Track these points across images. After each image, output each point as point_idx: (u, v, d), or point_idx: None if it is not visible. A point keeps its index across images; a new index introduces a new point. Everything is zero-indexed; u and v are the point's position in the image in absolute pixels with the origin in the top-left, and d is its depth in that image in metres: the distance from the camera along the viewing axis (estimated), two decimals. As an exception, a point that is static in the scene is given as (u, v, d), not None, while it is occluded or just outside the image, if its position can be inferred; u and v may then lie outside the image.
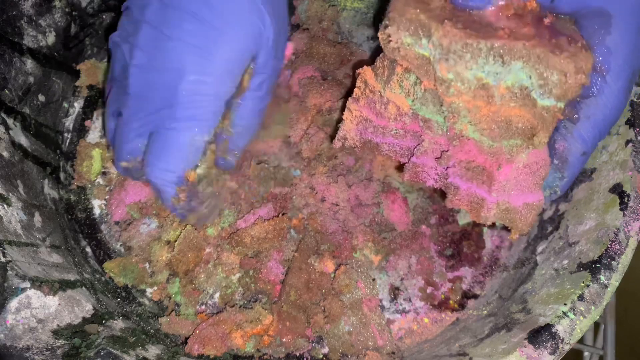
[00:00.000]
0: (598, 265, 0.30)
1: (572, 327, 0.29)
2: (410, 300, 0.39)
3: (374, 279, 0.38)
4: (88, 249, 0.39)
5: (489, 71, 0.28)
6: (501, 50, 0.27)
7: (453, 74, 0.28)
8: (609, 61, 0.29)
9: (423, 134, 0.33)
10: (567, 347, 0.29)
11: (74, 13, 0.41)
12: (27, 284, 0.29)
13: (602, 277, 0.30)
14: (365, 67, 0.33)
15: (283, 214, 0.39)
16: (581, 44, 0.28)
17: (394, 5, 0.29)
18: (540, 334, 0.29)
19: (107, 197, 0.40)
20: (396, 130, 0.34)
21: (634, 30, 0.29)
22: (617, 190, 0.32)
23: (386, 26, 0.29)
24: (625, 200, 0.32)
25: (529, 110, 0.29)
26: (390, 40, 0.30)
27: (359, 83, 0.33)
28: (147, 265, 0.38)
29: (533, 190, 0.30)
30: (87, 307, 0.31)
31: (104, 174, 0.41)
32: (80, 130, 0.42)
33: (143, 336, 0.34)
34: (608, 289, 0.30)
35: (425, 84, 0.30)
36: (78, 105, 0.42)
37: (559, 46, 0.27)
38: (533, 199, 0.30)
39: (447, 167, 0.32)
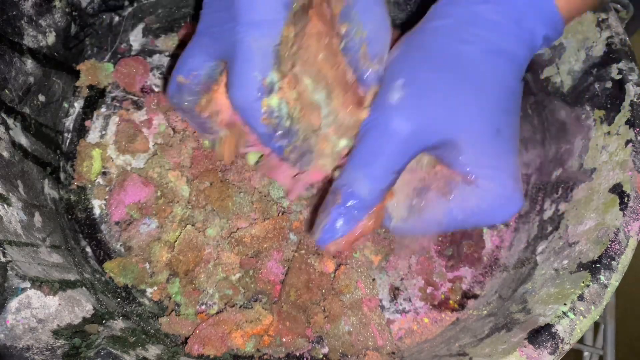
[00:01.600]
0: (598, 265, 0.30)
1: (572, 327, 0.29)
2: (410, 300, 0.39)
3: (374, 279, 0.38)
4: (88, 249, 0.39)
5: None
6: None
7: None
8: (475, 172, 0.30)
9: None
10: (567, 347, 0.29)
11: (74, 13, 0.41)
12: (27, 284, 0.29)
13: (602, 277, 0.30)
14: None
15: (283, 213, 0.39)
16: None
17: None
18: (540, 334, 0.29)
19: (107, 197, 0.40)
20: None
21: (488, 140, 0.30)
22: (617, 190, 0.32)
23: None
24: (625, 201, 0.32)
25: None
26: None
27: None
28: (147, 265, 0.38)
29: None
30: (87, 307, 0.31)
31: (104, 174, 0.41)
32: (80, 130, 0.42)
33: (143, 336, 0.34)
34: (608, 289, 0.30)
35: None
36: (78, 105, 0.42)
37: None
38: None
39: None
